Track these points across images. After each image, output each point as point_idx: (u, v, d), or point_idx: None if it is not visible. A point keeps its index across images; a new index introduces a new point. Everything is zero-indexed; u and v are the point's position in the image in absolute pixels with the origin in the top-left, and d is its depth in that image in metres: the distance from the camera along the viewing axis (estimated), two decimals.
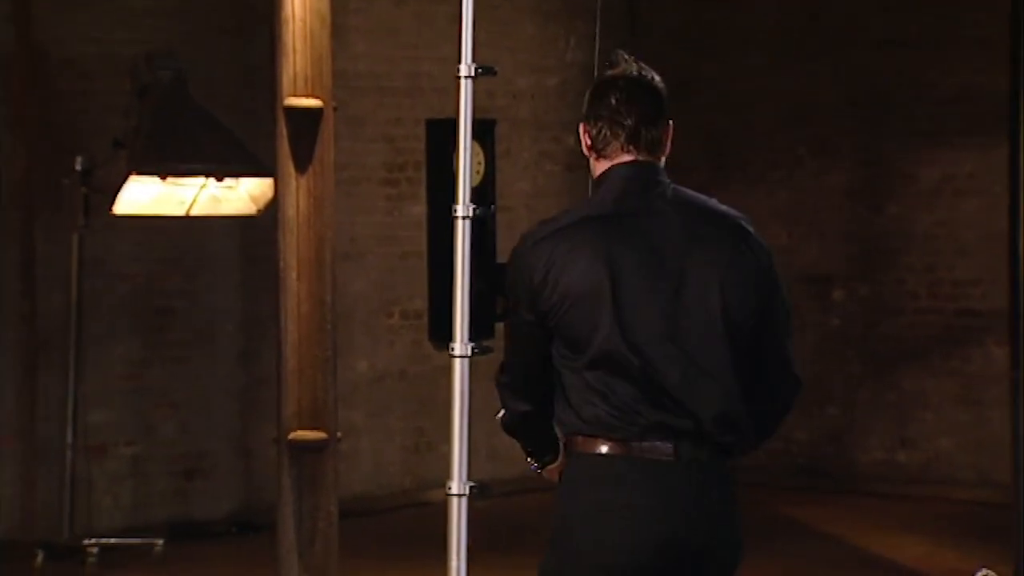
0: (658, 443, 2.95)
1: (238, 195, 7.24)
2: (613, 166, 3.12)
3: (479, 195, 8.69)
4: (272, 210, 5.46)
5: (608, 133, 3.11)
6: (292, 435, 5.13)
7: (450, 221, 3.12)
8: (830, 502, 8.33)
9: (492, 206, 8.83)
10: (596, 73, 3.29)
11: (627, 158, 3.11)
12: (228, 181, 7.12)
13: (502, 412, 3.25)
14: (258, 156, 6.86)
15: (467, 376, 3.08)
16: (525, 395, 3.14)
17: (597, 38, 3.58)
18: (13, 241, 7.46)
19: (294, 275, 5.18)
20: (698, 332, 2.98)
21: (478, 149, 8.64)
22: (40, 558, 7.08)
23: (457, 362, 3.07)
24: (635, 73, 3.19)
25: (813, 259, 9.00)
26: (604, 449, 2.97)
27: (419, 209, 8.77)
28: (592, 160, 3.15)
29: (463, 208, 3.10)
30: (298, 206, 5.19)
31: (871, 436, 8.94)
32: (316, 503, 5.12)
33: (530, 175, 9.25)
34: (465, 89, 3.10)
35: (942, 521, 7.95)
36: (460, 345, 3.07)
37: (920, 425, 8.76)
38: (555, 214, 3.13)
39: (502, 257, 9.59)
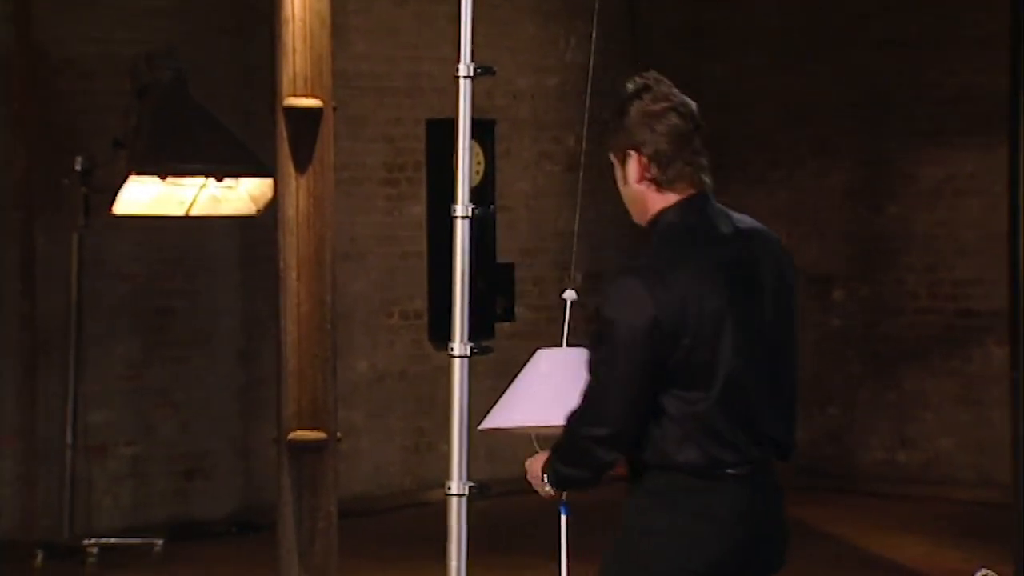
0: (742, 454, 3.02)
1: (238, 195, 7.24)
2: (684, 200, 3.06)
3: (479, 195, 8.71)
4: (272, 210, 5.45)
5: (681, 168, 3.05)
6: (292, 435, 5.13)
7: (450, 221, 3.13)
8: (830, 502, 8.33)
9: (492, 206, 8.83)
10: (591, 73, 3.29)
11: (693, 191, 3.08)
12: (228, 181, 7.12)
13: (559, 470, 3.07)
14: (258, 156, 6.85)
15: (467, 376, 3.08)
16: (623, 443, 3.00)
17: (594, 38, 3.57)
18: (13, 241, 7.46)
19: (294, 275, 5.18)
20: (775, 348, 3.08)
21: (478, 149, 8.65)
22: (40, 558, 7.08)
23: (457, 362, 3.07)
24: (679, 97, 3.13)
25: (813, 259, 9.00)
26: (693, 461, 3.00)
27: (419, 209, 8.77)
28: (646, 189, 3.06)
29: (463, 208, 3.11)
30: (298, 206, 5.18)
31: (871, 436, 8.94)
32: (316, 503, 5.12)
33: (530, 175, 9.25)
34: (465, 89, 3.10)
35: (942, 521, 7.95)
36: (460, 345, 3.07)
37: (920, 425, 8.76)
38: (646, 254, 3.04)
39: (502, 257, 9.63)
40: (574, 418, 3.05)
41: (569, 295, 3.23)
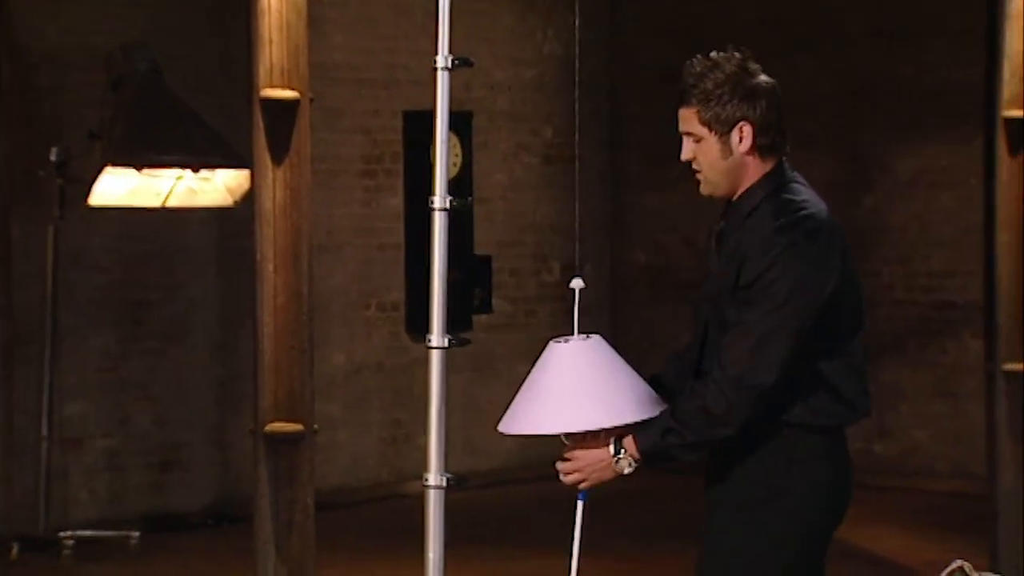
0: (861, 407, 3.34)
1: (214, 187, 7.22)
2: (780, 165, 3.28)
3: (456, 187, 8.63)
4: (249, 202, 5.44)
5: (777, 136, 3.27)
6: (269, 427, 5.12)
7: (427, 213, 3.12)
8: None
9: (469, 198, 8.82)
10: (577, 64, 3.31)
11: (782, 156, 3.31)
12: (204, 173, 7.10)
13: (708, 426, 3.13)
14: (235, 148, 6.83)
15: (444, 368, 3.07)
16: (772, 397, 3.14)
17: (577, 29, 3.58)
18: None
19: (271, 267, 5.17)
20: None
21: (455, 141, 8.63)
22: (16, 550, 7.05)
23: (434, 354, 3.06)
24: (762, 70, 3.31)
25: None
26: (834, 423, 3.22)
27: (396, 201, 8.76)
28: (751, 159, 3.23)
29: (440, 200, 3.10)
30: (275, 198, 5.17)
31: (848, 427, 8.96)
32: (293, 495, 5.11)
33: (507, 167, 9.25)
34: (442, 81, 3.09)
35: (918, 512, 7.98)
36: (437, 337, 3.06)
37: (896, 417, 8.79)
38: (800, 198, 3.23)
39: (480, 249, 9.65)
40: (736, 369, 3.09)
41: (577, 283, 3.20)
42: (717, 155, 3.22)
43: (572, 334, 3.19)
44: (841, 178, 9.05)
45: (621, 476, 3.19)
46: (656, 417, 3.16)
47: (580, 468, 3.22)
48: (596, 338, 3.18)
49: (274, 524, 5.08)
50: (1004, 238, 6.15)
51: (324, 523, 5.48)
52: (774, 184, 3.24)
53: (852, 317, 3.22)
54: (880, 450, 8.76)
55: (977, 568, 3.20)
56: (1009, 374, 6.07)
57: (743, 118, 3.21)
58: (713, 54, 3.24)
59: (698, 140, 3.24)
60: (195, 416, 8.03)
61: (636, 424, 3.15)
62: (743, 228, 3.21)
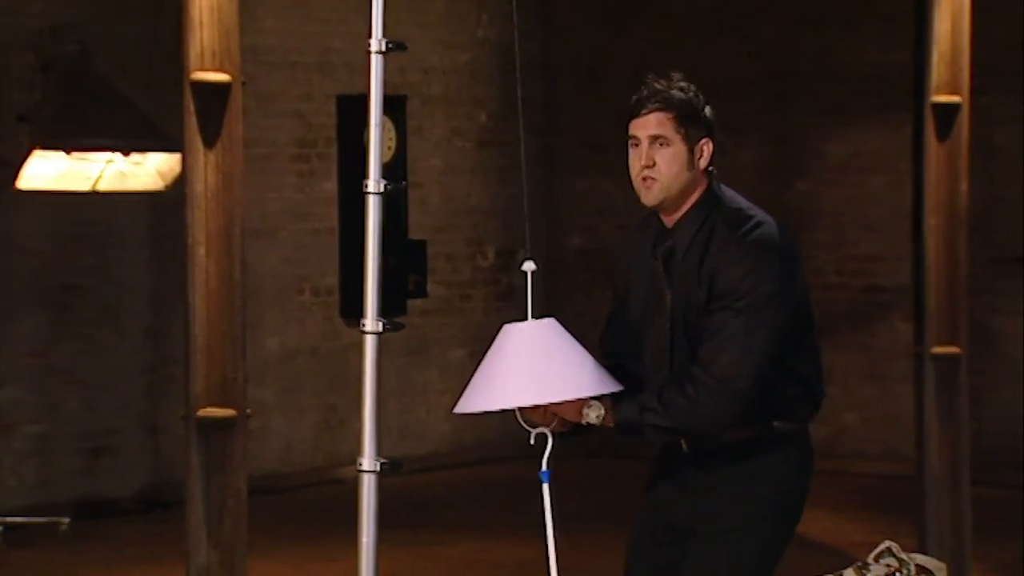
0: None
1: (145, 170, 7.15)
2: (712, 177, 3.42)
3: (390, 171, 8.59)
4: (180, 186, 5.40)
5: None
6: (201, 412, 5.09)
7: (361, 197, 3.10)
8: None
9: (404, 182, 8.79)
10: (518, 46, 3.32)
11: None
12: (135, 156, 7.03)
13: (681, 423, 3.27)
14: (166, 131, 6.77)
15: (378, 353, 3.06)
16: (757, 394, 3.27)
17: (515, 12, 3.58)
18: None
19: (202, 251, 5.13)
20: None
21: (389, 125, 8.60)
22: None
23: (368, 339, 3.05)
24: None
25: None
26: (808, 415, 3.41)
27: (330, 185, 8.72)
28: (703, 175, 3.37)
29: (374, 184, 3.08)
30: (206, 181, 5.13)
31: None
32: (225, 481, 5.09)
33: (441, 152, 9.24)
34: (376, 65, 3.07)
35: (848, 495, 8.06)
36: (371, 322, 3.05)
37: (827, 400, 8.79)
38: (746, 206, 3.41)
39: (414, 233, 9.61)
40: (726, 372, 3.21)
41: (529, 266, 3.20)
42: (683, 165, 3.34)
43: (510, 319, 3.19)
44: (772, 162, 9.11)
45: (582, 424, 3.25)
46: (637, 393, 3.26)
47: (551, 411, 3.28)
48: (550, 320, 3.19)
49: (206, 510, 5.05)
50: (932, 222, 6.21)
51: (257, 509, 5.46)
52: (714, 199, 3.37)
53: (809, 312, 3.40)
54: (811, 433, 8.84)
55: (905, 548, 3.24)
56: (937, 357, 6.14)
57: (707, 136, 3.36)
58: (676, 75, 3.44)
59: (665, 145, 3.32)
60: (126, 401, 7.97)
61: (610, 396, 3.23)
62: (695, 243, 3.32)
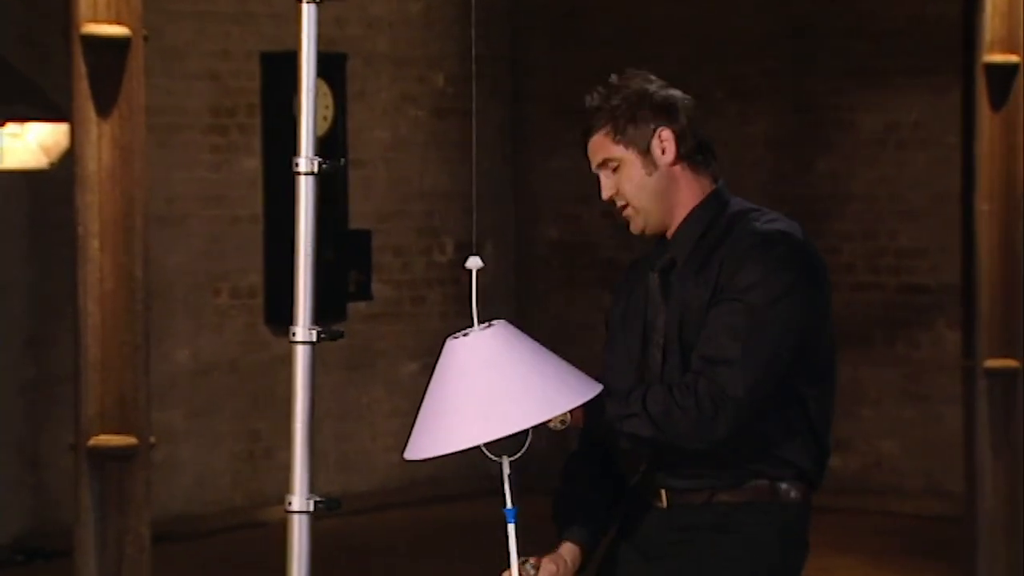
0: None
1: (25, 145, 7.14)
2: (720, 188, 3.47)
3: (327, 146, 8.69)
4: (68, 163, 5.39)
5: (708, 150, 3.48)
6: (93, 440, 5.09)
7: (291, 178, 3.10)
8: None
9: (343, 160, 8.81)
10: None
11: (715, 181, 3.50)
12: (12, 127, 7.02)
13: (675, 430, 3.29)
14: (49, 96, 6.77)
15: (312, 367, 3.06)
16: (747, 418, 3.28)
17: None
18: None
19: (96, 243, 5.14)
20: None
21: (325, 90, 8.61)
22: None
23: (299, 350, 3.05)
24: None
25: None
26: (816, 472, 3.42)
27: (253, 163, 8.73)
28: (680, 172, 3.42)
29: (306, 162, 3.09)
30: (100, 158, 5.14)
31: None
32: (123, 524, 5.09)
33: (389, 121, 9.24)
34: (308, 16, 3.08)
35: (884, 537, 8.10)
36: (303, 329, 3.05)
37: (858, 424, 8.91)
38: (764, 210, 3.43)
39: (355, 222, 9.61)
40: (718, 371, 3.26)
41: (474, 263, 3.20)
42: (641, 173, 3.40)
43: (471, 325, 3.18)
44: (789, 136, 9.14)
45: (547, 428, 3.27)
46: (619, 398, 3.29)
47: None
48: (500, 324, 3.18)
49: (99, 560, 5.05)
50: (985, 208, 6.25)
51: (163, 558, 5.45)
52: (719, 202, 3.42)
53: (831, 347, 3.42)
54: (838, 464, 8.87)
55: None
56: (991, 372, 6.17)
57: (659, 126, 3.40)
58: (612, 77, 3.44)
59: (616, 168, 3.40)
60: (0, 428, 7.95)
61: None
62: (700, 247, 3.37)
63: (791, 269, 3.31)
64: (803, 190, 9.09)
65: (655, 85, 3.44)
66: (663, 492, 3.35)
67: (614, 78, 3.44)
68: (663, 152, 3.39)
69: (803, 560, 3.39)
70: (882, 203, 8.95)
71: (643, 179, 3.38)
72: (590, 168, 3.44)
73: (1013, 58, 6.16)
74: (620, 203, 3.41)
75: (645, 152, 3.38)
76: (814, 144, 9.12)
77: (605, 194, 3.42)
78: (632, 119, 3.38)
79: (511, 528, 3.22)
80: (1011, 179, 6.19)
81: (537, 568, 3.32)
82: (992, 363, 6.17)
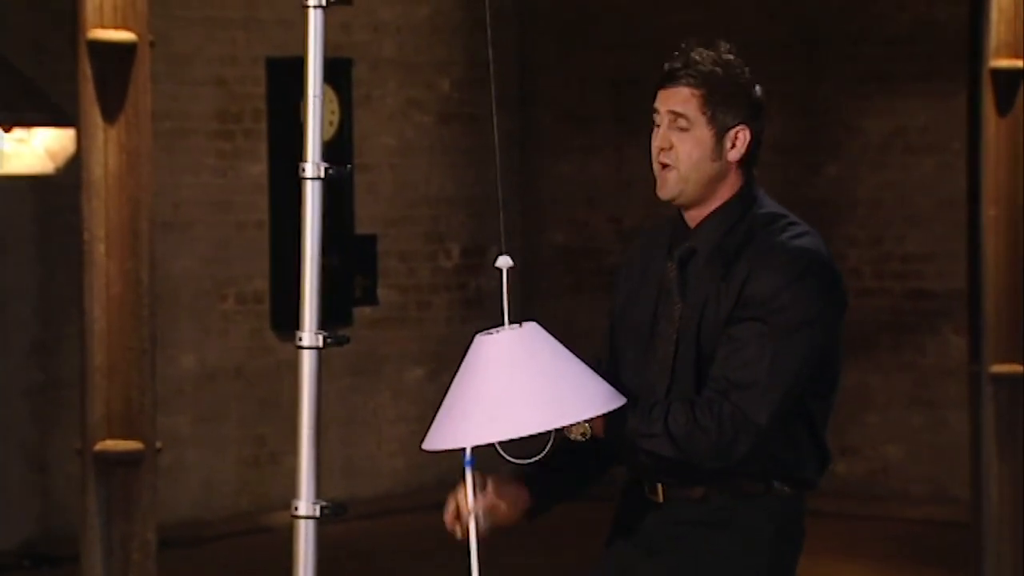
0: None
1: (31, 150, 7.14)
2: (751, 180, 3.45)
3: (333, 151, 8.67)
4: (75, 169, 5.40)
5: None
6: (100, 446, 5.10)
7: (297, 183, 3.11)
8: None
9: (349, 165, 8.81)
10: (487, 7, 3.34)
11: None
12: (18, 133, 7.02)
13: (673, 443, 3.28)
14: (56, 101, 6.77)
15: (317, 373, 3.07)
16: (763, 441, 3.31)
17: None
18: None
19: (102, 249, 5.15)
20: None
21: (331, 95, 8.63)
22: None
23: (305, 355, 3.06)
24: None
25: None
26: (814, 475, 3.44)
27: (259, 168, 8.73)
28: (734, 168, 3.39)
29: (313, 167, 3.10)
30: (107, 164, 5.15)
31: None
32: (130, 529, 5.10)
33: (395, 127, 9.25)
34: (315, 21, 3.09)
35: (889, 543, 8.09)
36: (309, 334, 3.06)
37: (863, 430, 8.91)
38: (795, 220, 3.41)
39: (361, 228, 9.62)
40: (742, 397, 3.26)
41: (504, 262, 3.20)
42: (707, 153, 3.36)
43: (502, 325, 3.18)
44: (796, 141, 9.14)
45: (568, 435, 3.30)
46: (641, 414, 3.28)
47: None
48: (531, 326, 3.19)
49: (106, 565, 5.06)
50: (991, 213, 6.25)
51: (168, 564, 5.46)
52: (750, 200, 3.41)
53: (839, 356, 3.45)
54: (844, 470, 8.87)
55: None
56: (997, 377, 6.17)
57: (744, 123, 3.36)
58: (723, 46, 3.41)
59: (685, 129, 3.35)
60: (7, 432, 7.96)
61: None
62: (723, 248, 3.35)
63: (820, 295, 3.31)
64: (809, 195, 9.09)
65: (756, 84, 3.41)
66: (659, 487, 3.35)
67: (725, 47, 3.39)
68: (733, 147, 3.36)
69: (798, 554, 3.40)
70: (889, 208, 8.95)
71: (704, 159, 3.35)
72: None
73: (1019, 63, 6.16)
74: (665, 161, 3.36)
75: (720, 137, 3.35)
76: (821, 149, 9.12)
77: (657, 143, 3.37)
78: (726, 100, 3.34)
79: (468, 471, 3.24)
80: (1017, 184, 6.20)
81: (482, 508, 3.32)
82: (998, 368, 6.17)
